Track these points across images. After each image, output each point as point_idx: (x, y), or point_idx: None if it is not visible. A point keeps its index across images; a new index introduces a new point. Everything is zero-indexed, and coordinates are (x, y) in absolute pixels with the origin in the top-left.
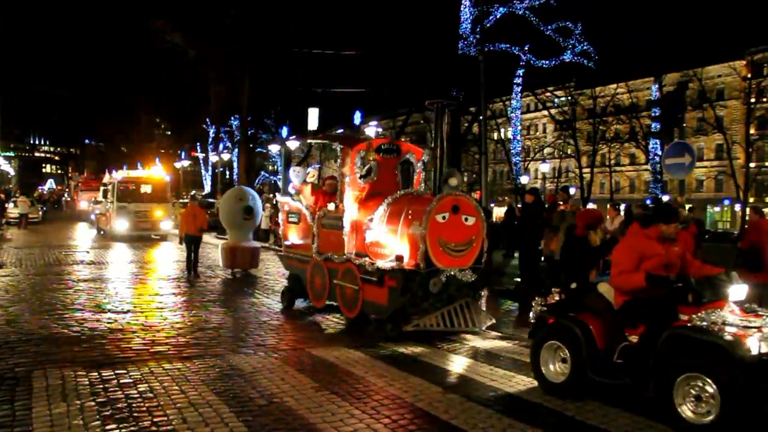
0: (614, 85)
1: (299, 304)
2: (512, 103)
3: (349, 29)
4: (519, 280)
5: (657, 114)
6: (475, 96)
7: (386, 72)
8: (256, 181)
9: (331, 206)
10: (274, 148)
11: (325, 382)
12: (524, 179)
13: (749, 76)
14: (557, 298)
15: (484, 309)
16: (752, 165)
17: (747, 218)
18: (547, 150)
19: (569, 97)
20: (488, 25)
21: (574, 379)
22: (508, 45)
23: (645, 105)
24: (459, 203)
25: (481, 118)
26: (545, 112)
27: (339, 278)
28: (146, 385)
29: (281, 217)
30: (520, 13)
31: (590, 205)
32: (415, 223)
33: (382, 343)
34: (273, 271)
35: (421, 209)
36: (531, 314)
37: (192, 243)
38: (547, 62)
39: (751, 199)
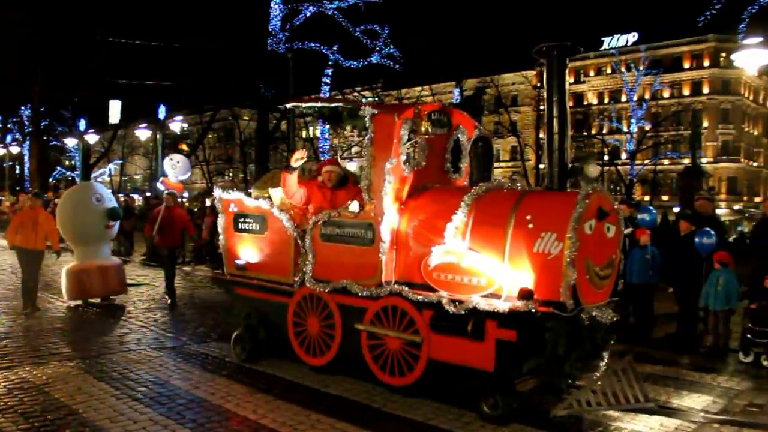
0: (419, 88)
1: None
2: None
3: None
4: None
5: None
6: (284, 93)
7: (193, 66)
8: (51, 176)
9: (353, 206)
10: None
11: (126, 389)
12: None
13: (539, 85)
14: None
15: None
16: (542, 166)
17: None
18: (354, 149)
19: (376, 98)
20: (298, 23)
21: None
22: (317, 44)
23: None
24: (604, 205)
25: (289, 115)
26: None
27: (370, 323)
28: None
29: (222, 222)
30: (329, 13)
31: None
32: (547, 236)
33: (191, 346)
34: (146, 294)
35: (553, 213)
36: None
37: (31, 261)
38: (355, 63)
39: None
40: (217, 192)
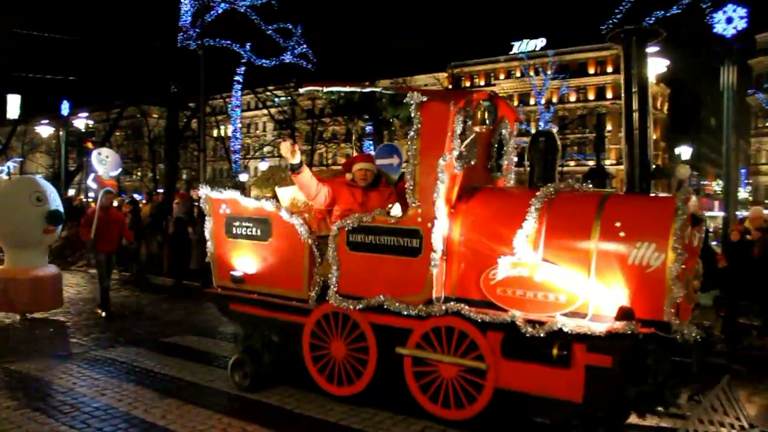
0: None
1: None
2: (232, 100)
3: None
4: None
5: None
6: (195, 91)
7: (100, 60)
8: None
9: (396, 210)
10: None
11: (26, 399)
12: (244, 177)
13: (450, 87)
14: None
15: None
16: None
17: None
18: (266, 148)
19: (289, 97)
20: (209, 19)
21: None
22: (229, 41)
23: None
24: (696, 211)
25: (200, 114)
26: (265, 111)
27: (416, 346)
28: None
29: (210, 227)
30: (242, 10)
31: None
32: (644, 246)
33: (96, 351)
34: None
35: (649, 220)
36: None
37: None
38: (268, 62)
39: None
40: (204, 191)
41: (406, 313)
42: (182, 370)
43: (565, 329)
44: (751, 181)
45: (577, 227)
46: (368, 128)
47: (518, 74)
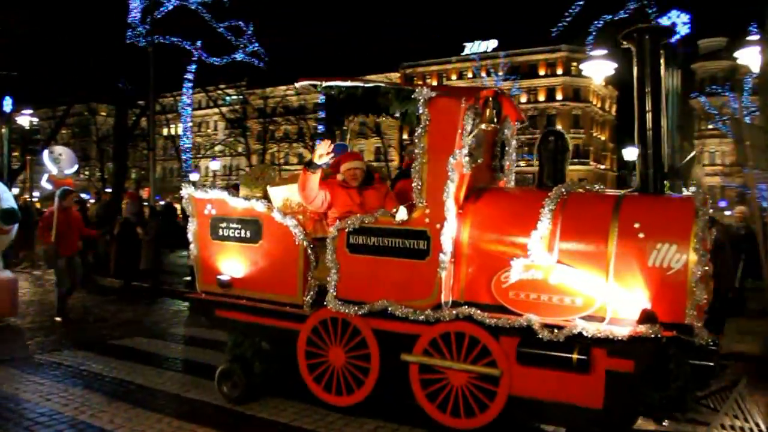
0: (284, 87)
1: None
2: (183, 98)
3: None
4: (189, 278)
5: (323, 116)
6: (144, 89)
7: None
8: None
9: (402, 214)
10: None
11: None
12: (194, 176)
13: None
14: None
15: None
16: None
17: None
18: (218, 147)
19: (241, 96)
20: (159, 16)
21: None
22: (179, 39)
23: (312, 107)
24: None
25: (149, 112)
26: (217, 110)
27: (424, 353)
28: None
29: (194, 229)
30: (192, 7)
31: None
32: (664, 248)
33: (41, 356)
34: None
35: (669, 221)
36: None
37: None
38: (219, 60)
39: None
40: (188, 191)
41: (413, 318)
42: (131, 373)
43: (586, 333)
44: (695, 182)
45: (594, 228)
46: (321, 128)
47: (470, 75)
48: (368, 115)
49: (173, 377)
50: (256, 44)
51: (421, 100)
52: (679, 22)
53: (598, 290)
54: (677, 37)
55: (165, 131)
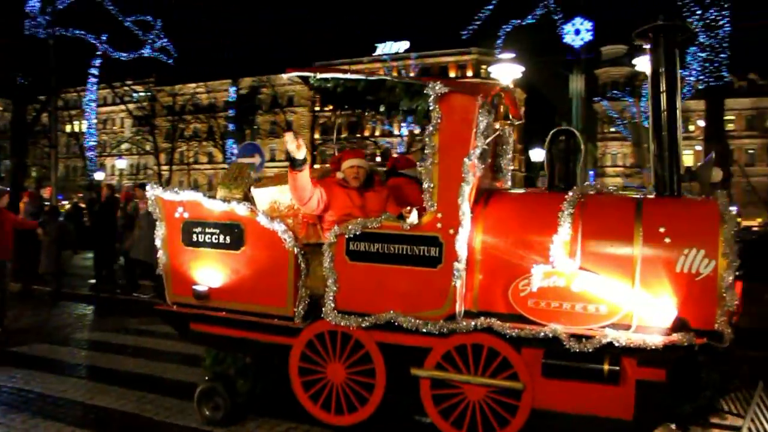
0: (194, 85)
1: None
2: (87, 94)
3: None
4: (94, 281)
5: (233, 115)
6: (45, 83)
7: None
8: None
9: (413, 217)
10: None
11: None
12: (100, 175)
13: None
14: None
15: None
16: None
17: None
18: (124, 146)
19: (149, 93)
20: (61, 7)
21: None
22: (83, 32)
23: (223, 106)
24: None
25: (51, 108)
26: (123, 107)
27: (437, 367)
28: None
29: (162, 234)
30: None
31: None
32: (692, 253)
33: None
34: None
35: (695, 225)
36: None
37: None
38: (126, 55)
39: None
40: (155, 191)
41: (424, 330)
42: (31, 381)
43: (617, 343)
44: (597, 183)
45: (618, 233)
46: (231, 126)
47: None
48: (277, 113)
49: (77, 384)
50: (165, 40)
51: (433, 96)
52: (583, 29)
53: (623, 297)
54: (581, 43)
55: (68, 128)
